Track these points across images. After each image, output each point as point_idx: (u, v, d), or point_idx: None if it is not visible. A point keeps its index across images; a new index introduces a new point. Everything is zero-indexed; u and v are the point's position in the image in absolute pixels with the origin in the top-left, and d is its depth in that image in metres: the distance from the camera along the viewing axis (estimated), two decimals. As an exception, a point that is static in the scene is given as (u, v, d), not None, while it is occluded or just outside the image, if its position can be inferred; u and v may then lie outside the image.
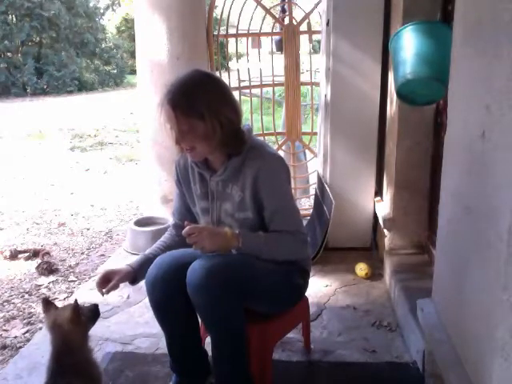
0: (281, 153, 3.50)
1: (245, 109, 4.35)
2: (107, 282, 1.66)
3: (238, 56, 4.18)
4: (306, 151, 3.89)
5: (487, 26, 1.25)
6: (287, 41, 3.47)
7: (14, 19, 16.85)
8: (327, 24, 2.80)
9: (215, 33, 3.51)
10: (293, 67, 3.50)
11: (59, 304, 2.57)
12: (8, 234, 3.76)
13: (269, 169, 1.61)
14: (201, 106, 1.53)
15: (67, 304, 1.59)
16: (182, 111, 1.52)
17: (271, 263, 1.63)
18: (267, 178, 1.60)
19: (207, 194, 1.70)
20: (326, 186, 2.95)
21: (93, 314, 1.60)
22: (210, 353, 1.64)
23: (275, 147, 3.52)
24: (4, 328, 2.39)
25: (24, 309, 2.58)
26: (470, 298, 1.33)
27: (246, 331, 1.58)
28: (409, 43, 1.97)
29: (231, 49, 3.87)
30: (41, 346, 2.13)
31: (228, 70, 4.22)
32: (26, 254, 3.25)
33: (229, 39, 3.62)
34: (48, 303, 1.55)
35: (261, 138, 1.99)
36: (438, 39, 1.92)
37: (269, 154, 1.64)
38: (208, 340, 1.64)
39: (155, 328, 1.99)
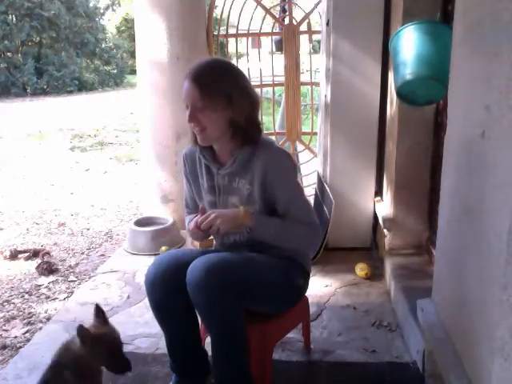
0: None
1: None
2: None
3: (238, 56, 4.18)
4: (302, 152, 3.89)
5: (487, 26, 1.25)
6: (287, 41, 3.47)
7: (14, 19, 16.82)
8: (327, 24, 2.80)
9: (215, 33, 3.51)
10: (293, 67, 3.50)
11: (59, 304, 2.59)
12: (8, 234, 3.76)
13: (278, 163, 1.62)
14: (226, 81, 1.57)
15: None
16: (204, 85, 1.54)
17: (271, 262, 1.64)
18: (277, 171, 1.61)
19: (214, 188, 1.71)
20: (325, 186, 2.95)
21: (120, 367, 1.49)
22: (209, 353, 1.64)
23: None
24: (4, 328, 2.39)
25: (24, 309, 2.58)
26: (470, 298, 1.33)
27: (246, 331, 1.58)
28: (409, 43, 1.96)
29: (231, 49, 3.87)
30: (41, 346, 2.13)
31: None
32: (26, 254, 3.24)
33: (229, 39, 3.62)
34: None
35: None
36: (437, 39, 1.91)
37: (278, 149, 1.66)
38: (208, 340, 1.64)
39: (155, 328, 1.99)
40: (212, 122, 1.57)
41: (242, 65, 3.78)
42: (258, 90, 3.74)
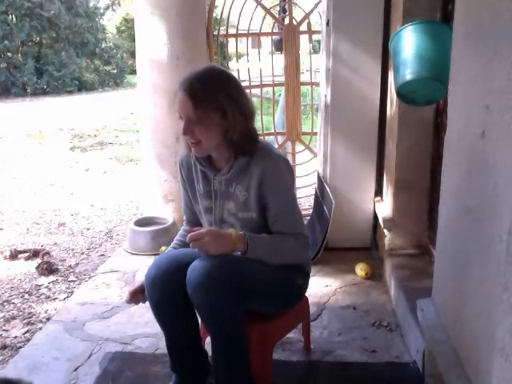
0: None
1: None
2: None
3: (238, 56, 4.18)
4: (302, 152, 3.89)
5: (487, 26, 1.25)
6: (287, 41, 3.47)
7: (14, 19, 16.82)
8: (327, 24, 2.80)
9: (215, 33, 3.51)
10: (293, 67, 3.50)
11: (59, 304, 2.59)
12: (8, 234, 3.76)
13: (275, 170, 1.60)
14: (221, 96, 1.53)
15: None
16: (199, 100, 1.51)
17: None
18: (273, 179, 1.60)
19: (210, 193, 1.70)
20: (325, 185, 2.95)
21: None
22: (209, 353, 1.64)
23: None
24: (4, 328, 2.39)
25: (24, 309, 2.58)
26: (470, 298, 1.33)
27: (246, 331, 1.58)
28: (409, 43, 1.97)
29: (231, 49, 3.87)
30: (41, 346, 2.14)
31: (228, 70, 4.22)
32: (26, 254, 3.24)
33: (229, 39, 3.62)
34: None
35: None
36: (437, 39, 1.92)
37: (275, 156, 1.64)
38: (208, 340, 1.64)
39: (155, 328, 1.99)
40: (207, 136, 1.56)
41: (242, 65, 3.79)
42: (257, 90, 3.75)
